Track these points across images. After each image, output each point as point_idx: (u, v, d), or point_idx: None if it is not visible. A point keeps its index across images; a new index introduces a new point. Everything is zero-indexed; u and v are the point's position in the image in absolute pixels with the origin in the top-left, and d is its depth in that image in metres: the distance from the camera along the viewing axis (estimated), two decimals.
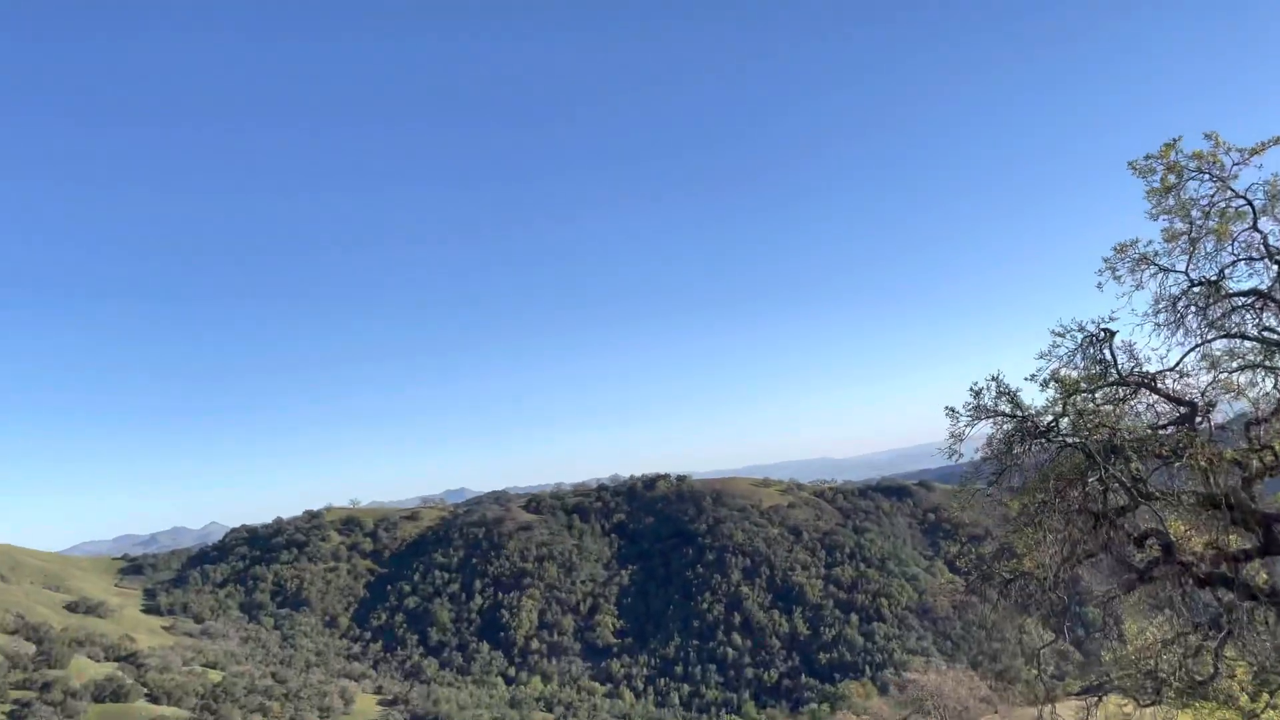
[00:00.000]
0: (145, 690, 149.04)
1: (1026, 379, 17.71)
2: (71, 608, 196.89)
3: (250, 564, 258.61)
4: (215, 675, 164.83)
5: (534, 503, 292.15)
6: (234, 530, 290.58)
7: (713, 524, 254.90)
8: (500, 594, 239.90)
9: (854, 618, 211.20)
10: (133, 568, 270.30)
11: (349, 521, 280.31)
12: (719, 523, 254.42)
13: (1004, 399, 17.61)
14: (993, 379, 17.69)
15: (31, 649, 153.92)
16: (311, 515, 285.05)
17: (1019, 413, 17.54)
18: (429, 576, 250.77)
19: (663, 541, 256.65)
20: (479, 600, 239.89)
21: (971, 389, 17.67)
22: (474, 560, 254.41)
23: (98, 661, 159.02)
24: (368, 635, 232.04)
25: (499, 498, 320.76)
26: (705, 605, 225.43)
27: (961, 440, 17.72)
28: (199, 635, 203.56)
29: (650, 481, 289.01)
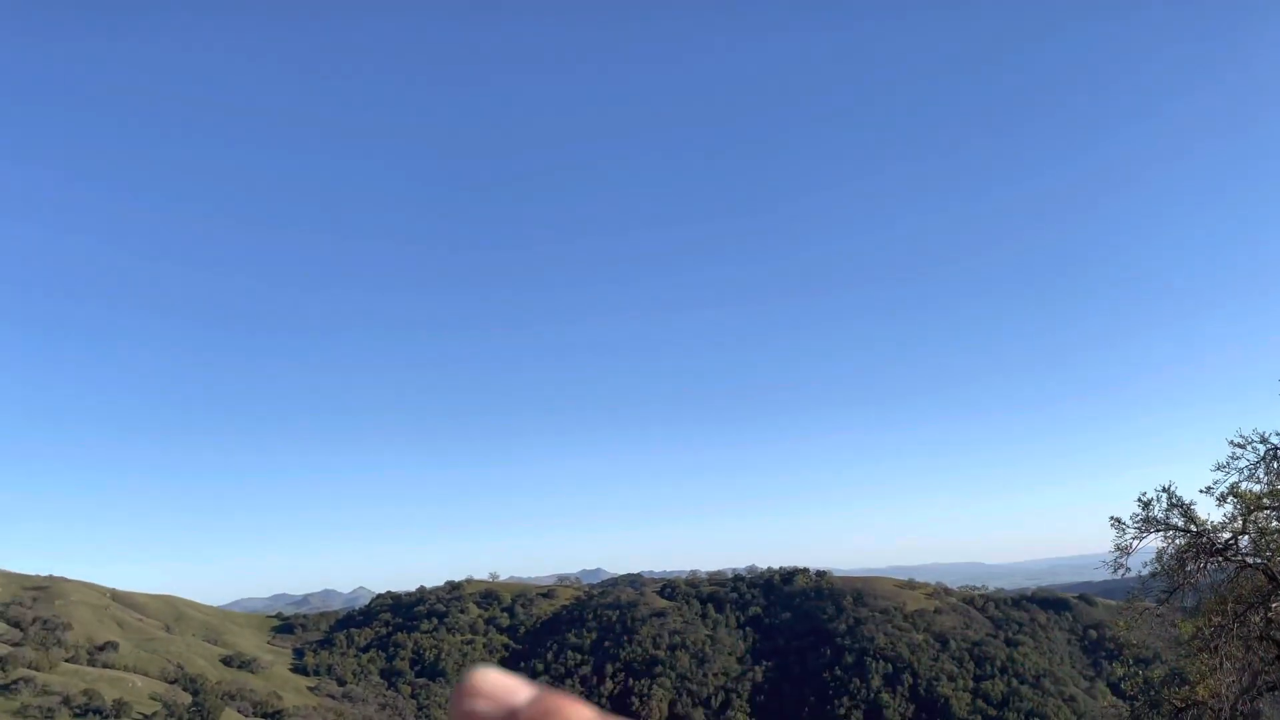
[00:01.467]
0: None
1: (1201, 491, 16.72)
2: (227, 661, 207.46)
3: (393, 630, 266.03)
4: None
5: (668, 588, 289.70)
6: (379, 596, 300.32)
7: (852, 624, 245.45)
8: (631, 680, 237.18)
9: None
10: (285, 626, 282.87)
11: (488, 595, 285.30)
12: (859, 623, 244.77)
13: (1176, 511, 16.64)
14: (1164, 490, 16.78)
15: (188, 699, 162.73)
16: (453, 586, 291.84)
17: (1193, 527, 16.53)
18: (561, 656, 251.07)
19: (799, 639, 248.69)
20: (610, 685, 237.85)
21: (1140, 499, 16.80)
22: (606, 643, 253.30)
23: (246, 716, 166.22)
24: None
25: (634, 581, 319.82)
26: (842, 710, 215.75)
27: (1128, 554, 16.79)
28: (340, 698, 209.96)
29: (788, 575, 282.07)
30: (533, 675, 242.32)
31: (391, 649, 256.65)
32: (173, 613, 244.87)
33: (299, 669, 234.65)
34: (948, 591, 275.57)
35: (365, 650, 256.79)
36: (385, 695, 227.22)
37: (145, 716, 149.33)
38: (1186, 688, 17.24)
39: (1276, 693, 16.26)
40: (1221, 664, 15.86)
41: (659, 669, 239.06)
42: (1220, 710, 15.95)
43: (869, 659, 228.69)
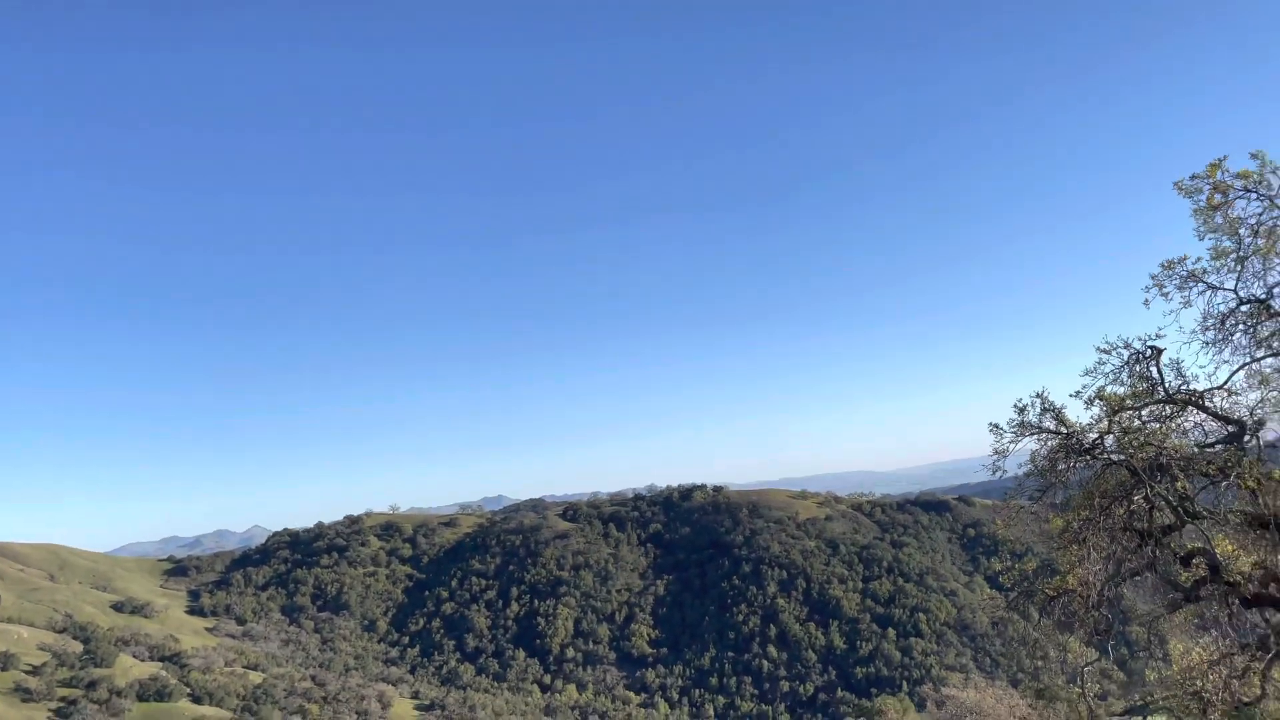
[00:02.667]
0: (188, 690, 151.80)
1: (1072, 395, 17.74)
2: (118, 608, 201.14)
3: (292, 567, 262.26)
4: (256, 677, 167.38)
5: (571, 511, 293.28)
6: (276, 534, 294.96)
7: (749, 535, 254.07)
8: (536, 601, 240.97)
9: (891, 632, 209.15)
10: (178, 569, 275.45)
11: (388, 527, 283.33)
12: (755, 534, 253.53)
13: (1049, 415, 17.64)
14: (1037, 395, 17.74)
15: (78, 648, 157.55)
16: (352, 520, 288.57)
17: (1064, 429, 17.56)
18: (466, 583, 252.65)
19: (699, 552, 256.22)
20: (515, 607, 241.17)
21: (1016, 405, 17.74)
22: (511, 568, 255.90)
23: (142, 661, 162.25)
24: (405, 640, 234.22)
25: (536, 506, 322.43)
26: (741, 617, 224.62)
27: (1005, 456, 17.78)
28: (241, 637, 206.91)
29: (687, 492, 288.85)
30: (438, 603, 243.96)
31: (292, 586, 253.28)
32: (56, 561, 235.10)
33: (195, 611, 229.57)
34: (837, 500, 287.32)
35: (264, 589, 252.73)
36: (288, 631, 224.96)
37: (34, 667, 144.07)
38: (1058, 578, 18.51)
39: (1138, 578, 17.64)
40: (1089, 554, 17.07)
41: (563, 589, 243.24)
42: (1088, 596, 17.23)
43: (765, 567, 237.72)
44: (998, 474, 17.99)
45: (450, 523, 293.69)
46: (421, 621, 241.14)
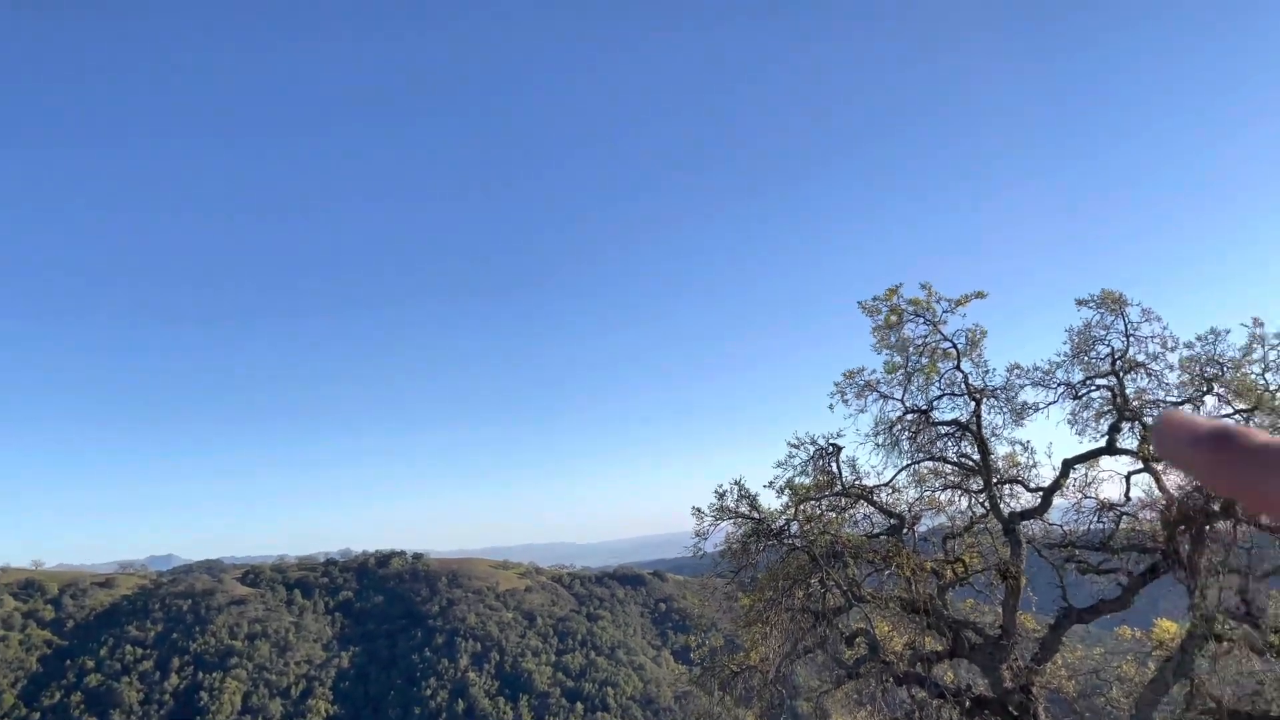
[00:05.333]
0: None
1: (765, 486, 19.36)
2: None
3: None
4: None
5: (252, 575, 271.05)
6: None
7: (445, 606, 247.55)
8: (202, 674, 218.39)
9: (580, 706, 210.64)
10: None
11: (28, 585, 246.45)
12: (453, 604, 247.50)
13: (745, 502, 19.11)
14: (736, 483, 19.18)
15: None
16: None
17: (756, 515, 19.08)
18: (119, 652, 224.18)
19: (391, 622, 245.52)
20: (175, 680, 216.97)
21: (717, 490, 19.07)
22: (175, 635, 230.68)
23: None
24: (36, 717, 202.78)
25: (211, 568, 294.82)
26: (429, 691, 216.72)
27: (705, 538, 19.01)
28: None
29: (384, 558, 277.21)
30: (81, 674, 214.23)
31: None
32: None
33: None
34: (539, 571, 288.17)
35: None
36: None
37: None
38: (740, 654, 19.76)
39: (810, 655, 19.26)
40: (771, 632, 18.45)
41: (234, 660, 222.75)
42: (767, 672, 18.55)
43: (459, 639, 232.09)
44: (698, 555, 19.16)
45: (106, 583, 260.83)
46: (58, 695, 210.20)
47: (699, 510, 19.04)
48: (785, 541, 18.98)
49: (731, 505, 19.10)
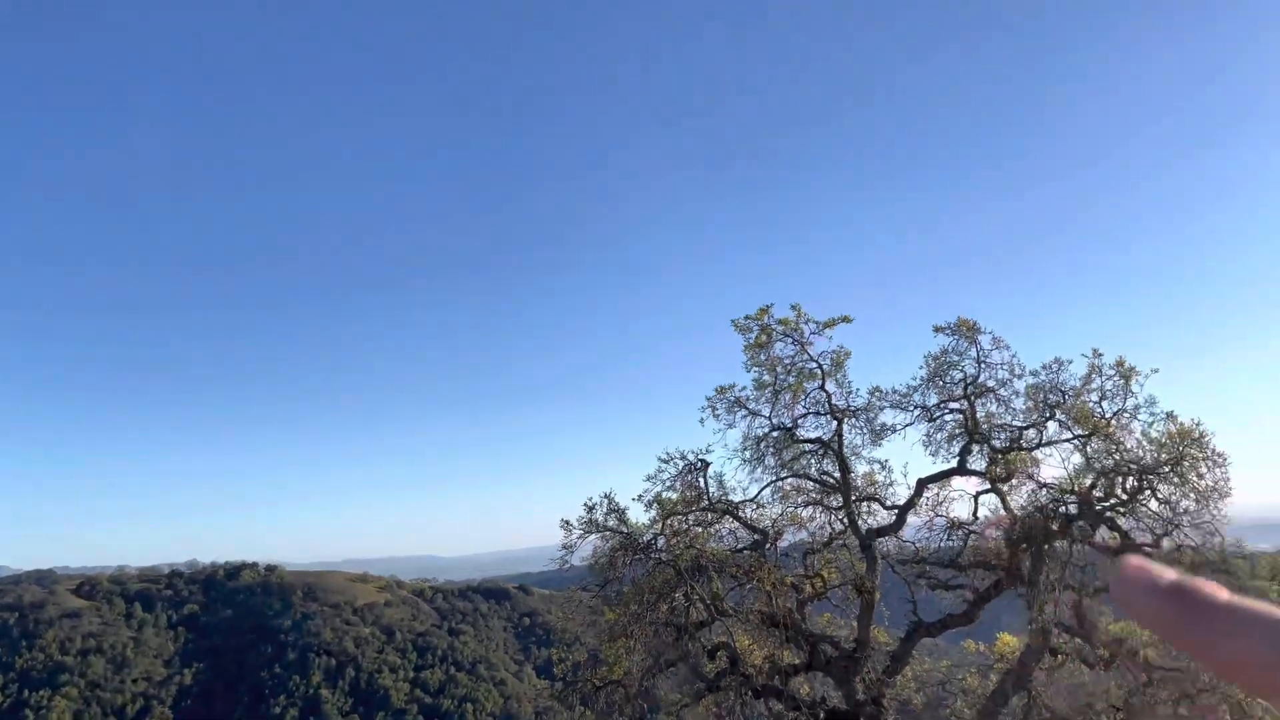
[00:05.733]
0: None
1: (634, 499, 19.42)
2: None
3: None
4: None
5: (88, 586, 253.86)
6: None
7: (299, 620, 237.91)
8: (28, 692, 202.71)
9: None
10: None
11: None
12: (307, 619, 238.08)
13: (613, 516, 19.12)
14: (606, 496, 19.17)
15: None
16: None
17: (625, 529, 19.11)
18: None
19: (239, 637, 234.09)
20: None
21: (586, 504, 19.00)
22: None
23: None
24: None
25: (43, 578, 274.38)
26: (279, 709, 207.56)
27: (572, 551, 18.90)
28: None
29: (234, 570, 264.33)
30: None
31: None
32: None
33: None
34: (400, 584, 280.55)
35: None
36: None
37: None
38: (604, 668, 19.70)
39: (672, 669, 19.37)
40: (635, 647, 18.46)
41: (65, 677, 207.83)
42: (630, 687, 18.54)
43: (313, 655, 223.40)
44: (565, 568, 19.03)
45: None
46: None
47: (567, 523, 18.94)
48: (652, 556, 19.07)
49: (600, 519, 19.08)
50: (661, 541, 19.29)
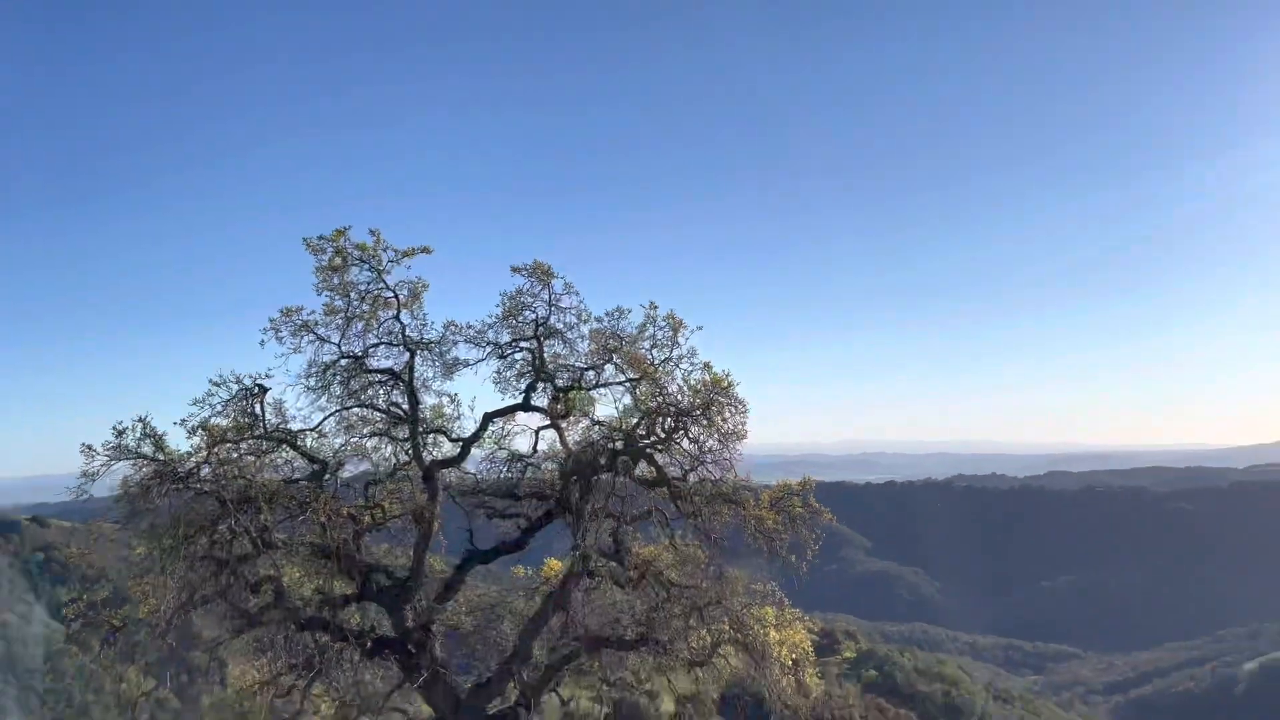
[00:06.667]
0: None
1: (176, 424, 17.57)
2: None
3: None
4: None
5: None
6: None
7: None
8: None
9: None
10: None
11: None
12: None
13: (149, 441, 17.15)
14: (140, 420, 17.12)
15: None
16: None
17: (161, 456, 17.25)
18: None
19: None
20: None
21: (115, 428, 16.81)
22: None
23: None
24: None
25: None
26: None
27: (95, 479, 16.65)
28: None
29: None
30: None
31: None
32: None
33: None
34: None
35: None
36: None
37: None
38: (127, 606, 17.90)
39: (208, 605, 18.09)
40: (167, 583, 16.92)
41: None
42: (158, 625, 17.00)
43: None
44: (84, 498, 16.68)
45: None
46: None
47: (89, 448, 16.63)
48: (192, 486, 17.44)
49: (132, 445, 17.00)
50: (206, 470, 17.71)
